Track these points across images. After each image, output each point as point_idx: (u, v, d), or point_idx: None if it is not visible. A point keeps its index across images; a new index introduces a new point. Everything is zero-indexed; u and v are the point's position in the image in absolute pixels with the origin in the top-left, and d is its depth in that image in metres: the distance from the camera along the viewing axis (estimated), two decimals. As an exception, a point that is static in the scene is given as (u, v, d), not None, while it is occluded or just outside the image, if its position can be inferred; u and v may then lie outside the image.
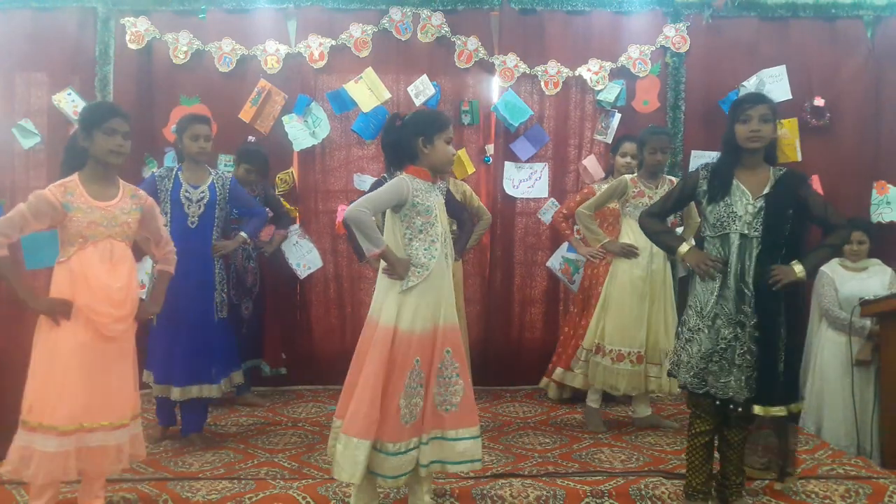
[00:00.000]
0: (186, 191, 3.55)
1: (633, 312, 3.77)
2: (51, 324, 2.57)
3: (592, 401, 3.97)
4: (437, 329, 2.65)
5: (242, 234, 3.86)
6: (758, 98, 2.78)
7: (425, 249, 2.63)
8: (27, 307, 2.59)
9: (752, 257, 2.72)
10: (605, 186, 3.99)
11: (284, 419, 4.13)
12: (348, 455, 2.54)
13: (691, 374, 2.77)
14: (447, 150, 2.69)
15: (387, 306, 2.62)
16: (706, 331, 2.75)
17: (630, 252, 3.78)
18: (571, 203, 4.25)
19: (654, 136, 3.79)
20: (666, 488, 3.01)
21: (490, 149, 4.81)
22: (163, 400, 3.61)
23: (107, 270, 2.62)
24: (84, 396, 2.54)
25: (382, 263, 2.66)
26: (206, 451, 3.51)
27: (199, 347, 3.52)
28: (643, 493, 2.99)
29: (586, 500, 2.95)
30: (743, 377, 2.70)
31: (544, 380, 4.44)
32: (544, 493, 2.96)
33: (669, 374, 3.02)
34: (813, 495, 2.99)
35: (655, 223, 3.02)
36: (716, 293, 2.75)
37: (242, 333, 4.27)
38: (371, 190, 3.57)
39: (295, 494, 2.93)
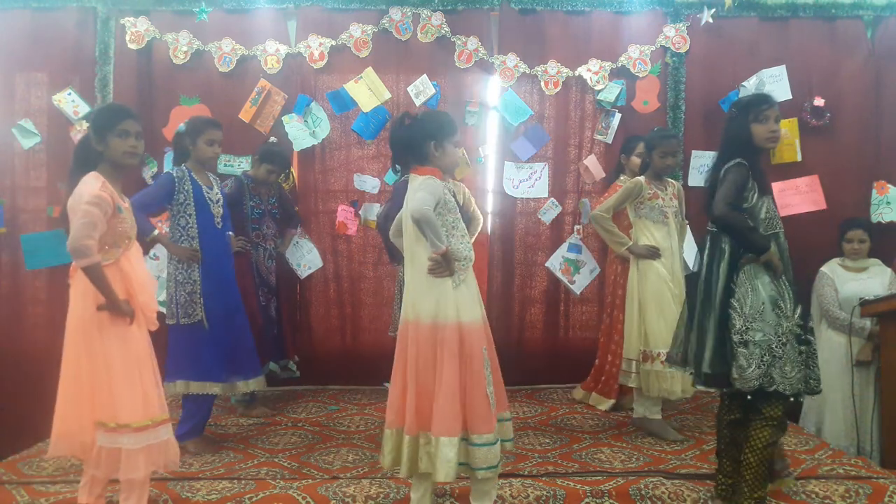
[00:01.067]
0: (207, 192, 3.54)
1: (673, 312, 3.63)
2: (112, 326, 2.57)
3: (654, 413, 3.81)
4: (484, 319, 2.73)
5: (230, 233, 3.80)
6: (771, 99, 2.81)
7: (461, 244, 2.68)
8: (111, 310, 2.55)
9: (789, 255, 2.78)
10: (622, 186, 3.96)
11: (284, 419, 4.13)
12: (442, 455, 2.54)
13: (800, 376, 2.68)
14: (455, 155, 2.76)
15: (442, 304, 2.62)
16: (797, 330, 2.71)
17: (654, 253, 3.75)
18: (602, 202, 4.15)
19: (666, 139, 3.78)
20: (666, 488, 3.01)
21: (482, 149, 4.79)
22: (201, 401, 3.55)
23: (144, 268, 2.74)
24: (159, 390, 2.67)
25: (422, 264, 2.64)
26: (211, 451, 3.51)
27: (250, 342, 3.64)
28: (643, 493, 2.99)
29: (586, 500, 2.96)
30: (810, 369, 2.73)
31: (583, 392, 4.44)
32: (544, 493, 2.96)
33: (767, 391, 2.68)
34: (813, 495, 2.99)
35: (744, 218, 2.74)
36: (786, 295, 2.73)
37: (274, 334, 4.30)
38: (397, 192, 3.62)
39: (295, 494, 2.93)
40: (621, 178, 4.29)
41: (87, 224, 2.50)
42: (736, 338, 2.69)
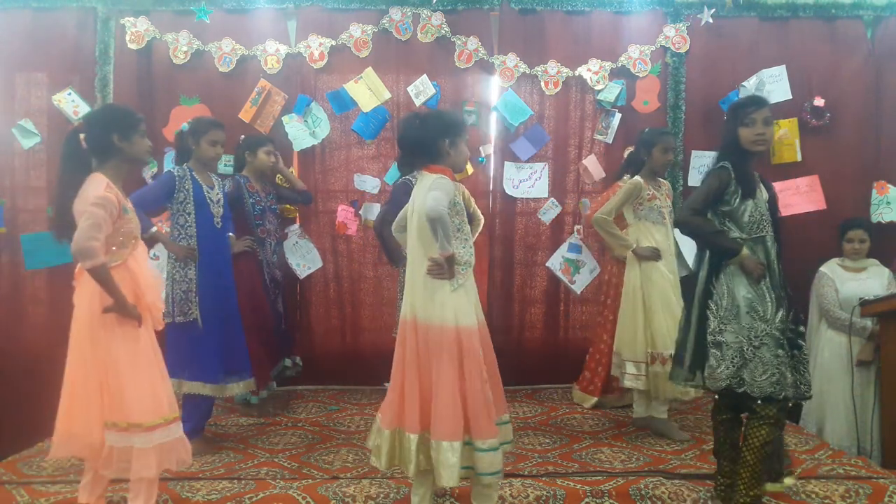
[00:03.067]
0: (207, 192, 3.54)
1: (677, 314, 3.57)
2: (119, 327, 2.56)
3: (660, 412, 3.80)
4: (482, 323, 2.72)
5: (231, 234, 3.81)
6: (760, 101, 2.80)
7: (464, 248, 2.67)
8: (118, 311, 2.55)
9: (774, 258, 2.76)
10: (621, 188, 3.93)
11: (284, 419, 4.13)
12: (444, 460, 2.53)
13: (773, 379, 2.69)
14: (467, 153, 2.78)
15: (440, 307, 2.61)
16: (776, 334, 2.71)
17: (658, 255, 3.74)
18: (602, 204, 4.11)
19: (664, 136, 3.79)
20: (666, 488, 3.01)
21: (483, 149, 4.79)
22: (200, 402, 3.55)
23: (150, 268, 2.76)
24: (168, 389, 2.69)
25: (421, 265, 2.64)
26: (210, 452, 3.51)
27: (242, 343, 3.60)
28: (643, 493, 2.99)
29: (586, 500, 2.96)
30: (800, 374, 2.74)
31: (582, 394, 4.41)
32: (544, 493, 2.96)
33: (736, 390, 2.73)
34: (813, 495, 2.99)
35: (707, 223, 2.81)
36: (767, 297, 2.73)
37: (282, 330, 4.31)
38: (396, 192, 3.60)
39: (295, 494, 2.93)
40: (625, 178, 4.28)
41: (92, 226, 2.50)
42: (710, 338, 2.76)
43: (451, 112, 2.94)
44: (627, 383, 3.79)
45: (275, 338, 4.19)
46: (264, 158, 4.18)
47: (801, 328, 2.82)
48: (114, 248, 2.59)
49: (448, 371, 2.57)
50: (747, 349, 2.70)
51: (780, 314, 2.72)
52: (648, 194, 3.77)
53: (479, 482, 2.65)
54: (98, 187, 2.55)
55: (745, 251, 2.74)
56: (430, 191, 2.56)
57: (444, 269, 2.58)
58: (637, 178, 3.82)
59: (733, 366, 2.70)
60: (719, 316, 2.75)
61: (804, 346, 2.78)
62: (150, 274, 2.72)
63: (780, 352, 2.69)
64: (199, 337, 3.45)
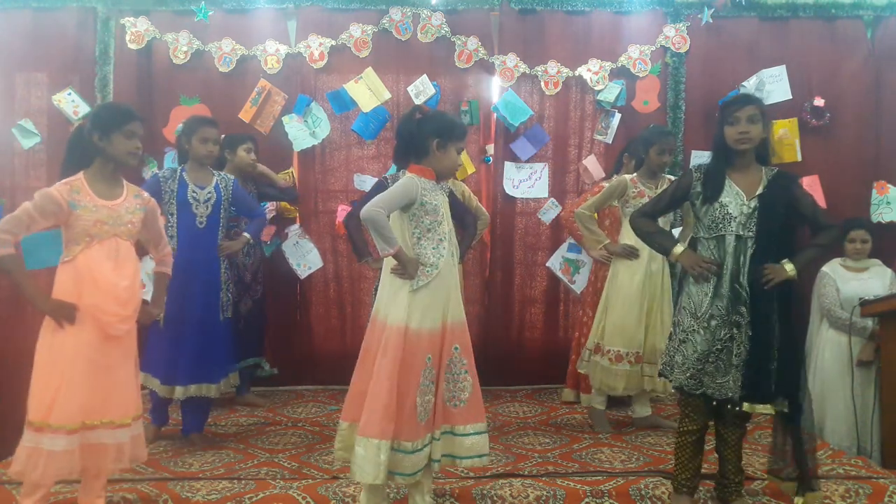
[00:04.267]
0: (193, 192, 3.53)
1: (633, 313, 3.75)
2: (47, 321, 2.57)
3: (597, 402, 3.96)
4: (446, 326, 2.67)
5: (246, 234, 3.85)
6: (745, 99, 2.80)
7: (433, 248, 2.65)
8: (33, 307, 2.57)
9: (746, 257, 2.72)
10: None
11: (284, 419, 4.13)
12: (370, 457, 2.53)
13: (687, 374, 2.76)
14: (456, 160, 2.74)
15: (395, 306, 2.63)
16: (701, 332, 2.75)
17: (631, 253, 3.78)
18: (580, 202, 4.18)
19: (663, 137, 3.78)
20: (666, 488, 3.01)
21: (490, 149, 4.81)
22: (161, 400, 3.61)
23: (112, 269, 2.62)
24: (87, 395, 2.54)
25: (390, 263, 2.66)
26: (206, 451, 3.51)
27: (203, 347, 3.52)
28: (643, 493, 2.99)
29: (586, 500, 2.95)
30: (739, 376, 2.70)
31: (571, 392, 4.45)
32: (544, 493, 2.96)
33: (660, 375, 3.00)
34: (813, 495, 2.99)
35: (648, 223, 2.99)
36: (710, 294, 2.75)
37: (240, 330, 4.27)
38: (372, 191, 3.57)
39: (295, 494, 2.93)
40: (614, 178, 4.29)
41: (11, 217, 2.55)
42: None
43: (450, 116, 2.94)
44: (579, 368, 4.04)
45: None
46: (244, 156, 4.18)
47: (770, 331, 2.72)
48: (65, 244, 2.60)
49: (386, 369, 2.56)
50: (674, 341, 2.83)
51: (713, 311, 2.73)
52: (635, 192, 3.78)
53: (394, 480, 2.67)
54: (56, 185, 2.58)
55: (678, 249, 2.84)
56: (384, 192, 2.61)
57: (403, 268, 2.60)
58: (624, 175, 3.87)
59: (668, 356, 2.86)
60: (677, 309, 2.90)
61: (767, 349, 2.71)
62: (104, 276, 2.58)
63: (703, 349, 2.72)
64: (157, 333, 3.48)
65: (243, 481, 3.08)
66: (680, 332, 2.81)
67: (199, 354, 3.50)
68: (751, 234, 2.72)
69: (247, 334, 4.32)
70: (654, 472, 3.23)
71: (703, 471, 3.21)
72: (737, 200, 2.75)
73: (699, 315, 2.76)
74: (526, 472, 3.21)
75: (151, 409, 3.71)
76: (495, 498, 2.94)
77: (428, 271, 2.62)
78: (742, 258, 2.73)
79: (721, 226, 2.76)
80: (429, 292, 2.62)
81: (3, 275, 2.63)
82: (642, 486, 3.02)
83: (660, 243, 2.97)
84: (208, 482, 3.06)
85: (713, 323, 2.73)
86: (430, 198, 2.63)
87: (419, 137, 2.68)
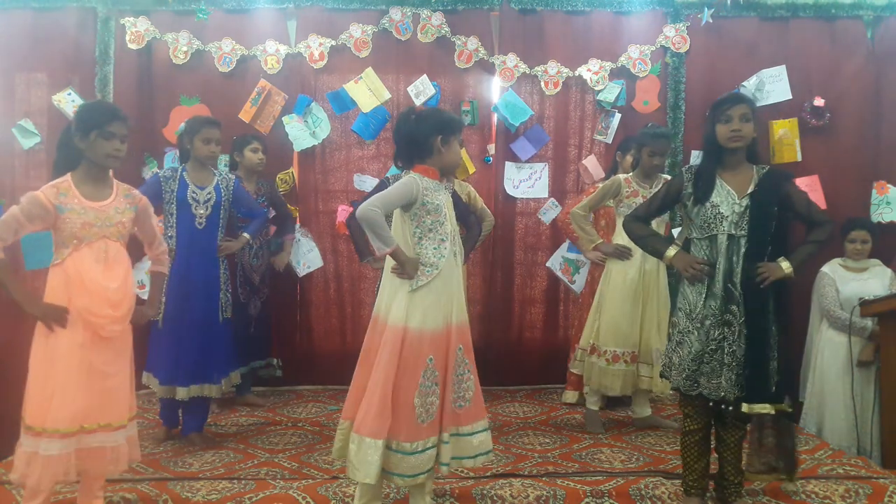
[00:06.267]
0: (193, 192, 3.54)
1: (627, 313, 3.77)
2: (40, 326, 2.58)
3: (591, 402, 3.96)
4: (450, 327, 2.66)
5: (245, 234, 3.87)
6: (737, 98, 2.80)
7: (434, 248, 2.64)
8: (23, 310, 2.56)
9: (739, 257, 2.73)
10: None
11: (284, 419, 4.13)
12: (362, 455, 2.53)
13: (683, 375, 2.77)
14: (459, 153, 2.75)
15: (396, 306, 2.62)
16: (696, 332, 2.76)
17: (623, 253, 3.78)
18: (576, 204, 4.21)
19: (656, 140, 3.76)
20: (666, 488, 3.01)
21: (491, 149, 4.81)
22: (167, 401, 3.61)
23: (102, 271, 2.60)
24: (84, 398, 2.53)
25: (390, 263, 2.66)
26: (206, 451, 3.52)
27: (203, 347, 3.53)
28: (643, 493, 2.99)
29: (586, 500, 2.96)
30: (734, 376, 2.70)
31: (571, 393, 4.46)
32: (544, 493, 2.96)
33: (661, 376, 2.99)
34: (813, 495, 3.00)
35: (640, 227, 3.00)
36: (704, 294, 2.76)
37: (251, 333, 4.28)
38: (374, 191, 3.58)
39: (295, 494, 2.93)
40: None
41: (1, 223, 2.54)
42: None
43: (446, 113, 2.94)
44: (573, 368, 4.06)
45: (241, 340, 4.11)
46: (251, 157, 4.23)
47: (766, 331, 2.72)
48: (54, 247, 2.59)
49: (385, 369, 2.56)
50: (671, 342, 2.84)
51: (707, 311, 2.73)
52: (628, 192, 3.79)
53: (393, 481, 2.66)
54: (44, 187, 2.57)
55: (671, 252, 2.84)
56: (383, 192, 2.62)
57: (402, 267, 2.59)
58: (618, 175, 3.88)
59: (667, 357, 2.86)
60: (676, 311, 2.90)
61: (764, 349, 2.71)
62: (93, 278, 2.57)
63: (697, 348, 2.73)
64: (157, 334, 3.49)
65: (243, 481, 3.08)
66: (676, 334, 2.82)
67: (199, 355, 3.51)
68: (743, 233, 2.72)
69: (257, 336, 4.35)
70: (654, 472, 3.24)
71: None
72: (728, 200, 2.75)
73: (694, 315, 2.77)
74: (526, 472, 3.21)
75: (161, 412, 3.72)
76: (495, 498, 2.94)
77: (428, 271, 2.61)
78: (735, 257, 2.73)
79: (713, 225, 2.76)
80: (429, 292, 2.61)
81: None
82: (642, 486, 3.02)
83: (653, 247, 2.98)
84: (208, 482, 3.07)
85: (707, 323, 2.74)
86: (431, 197, 2.62)
87: (420, 137, 2.66)
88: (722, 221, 2.74)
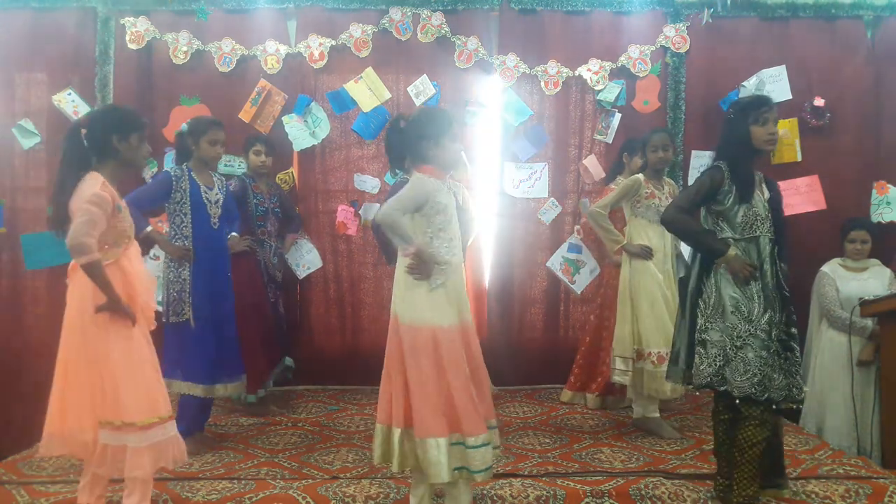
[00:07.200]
0: (205, 192, 3.54)
1: (665, 312, 3.71)
2: (112, 325, 2.57)
3: (650, 411, 3.84)
4: (465, 324, 2.69)
5: (234, 234, 3.86)
6: (771, 101, 2.81)
7: (446, 247, 2.65)
8: (111, 310, 2.55)
9: (773, 258, 2.76)
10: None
11: (284, 419, 4.13)
12: (430, 457, 2.53)
13: (754, 380, 2.68)
14: (455, 148, 2.73)
15: (418, 308, 2.62)
16: (761, 335, 2.71)
17: (648, 253, 3.77)
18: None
19: (654, 134, 3.84)
20: (666, 488, 3.01)
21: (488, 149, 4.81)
22: (198, 401, 3.54)
23: (143, 267, 2.77)
24: (162, 388, 2.70)
25: (403, 263, 2.65)
26: (206, 451, 3.51)
27: (231, 345, 3.57)
28: (643, 493, 2.99)
29: (586, 500, 2.95)
30: (791, 377, 2.72)
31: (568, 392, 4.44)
32: (544, 493, 2.96)
33: (686, 382, 2.89)
34: (813, 495, 2.99)
35: (693, 222, 2.84)
36: (759, 297, 2.73)
37: (284, 330, 4.32)
38: (394, 189, 3.60)
39: (295, 494, 2.93)
40: (618, 179, 4.28)
41: (86, 222, 2.52)
42: (696, 336, 2.80)
43: (432, 111, 2.94)
44: (615, 378, 3.88)
45: (275, 338, 4.21)
46: (253, 159, 4.26)
47: (794, 330, 2.79)
48: (106, 247, 2.60)
49: (425, 370, 2.56)
50: (730, 348, 2.73)
51: (767, 315, 2.72)
52: (647, 192, 3.80)
53: (472, 480, 2.64)
54: (94, 185, 2.57)
55: (732, 252, 2.74)
56: (398, 193, 2.64)
57: (421, 267, 2.59)
58: (639, 175, 3.87)
59: (716, 364, 2.75)
60: (706, 314, 2.79)
61: (796, 348, 2.77)
62: (143, 274, 2.72)
63: (764, 353, 2.69)
64: (192, 337, 3.45)
65: (243, 481, 3.08)
66: (736, 339, 2.72)
67: (234, 352, 3.58)
68: (770, 234, 2.77)
69: (288, 332, 4.45)
70: (654, 472, 3.23)
71: (703, 471, 3.22)
72: (761, 201, 2.78)
73: (753, 319, 2.72)
74: (526, 472, 3.21)
75: (185, 413, 3.56)
76: (495, 498, 2.94)
77: (443, 269, 2.63)
78: (773, 259, 2.76)
79: (755, 227, 2.76)
80: (446, 290, 2.64)
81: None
82: (642, 486, 3.02)
83: (708, 245, 2.79)
84: (208, 482, 3.07)
85: (767, 326, 2.72)
86: (440, 197, 2.65)
87: (411, 145, 2.69)
88: (763, 223, 2.76)
